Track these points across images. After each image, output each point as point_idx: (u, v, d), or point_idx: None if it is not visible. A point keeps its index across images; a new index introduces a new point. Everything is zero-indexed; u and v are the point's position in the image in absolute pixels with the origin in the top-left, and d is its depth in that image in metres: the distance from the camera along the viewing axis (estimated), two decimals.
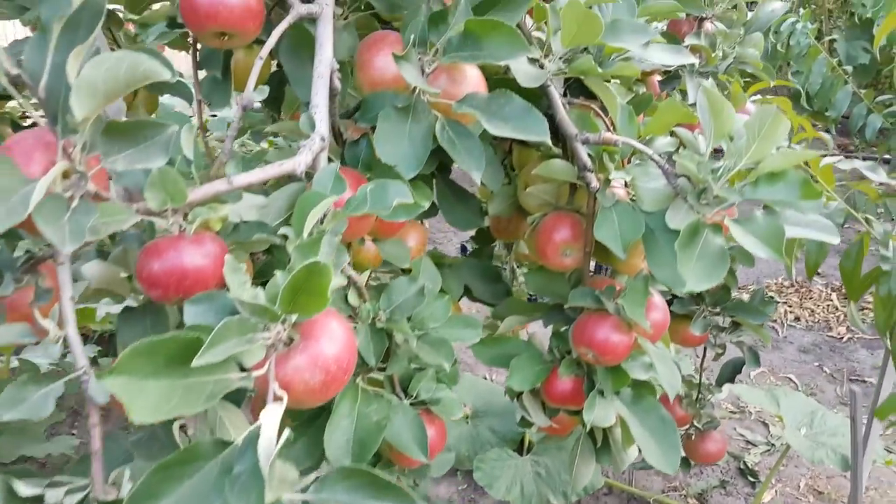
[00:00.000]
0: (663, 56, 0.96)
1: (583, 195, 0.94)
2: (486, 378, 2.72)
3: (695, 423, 1.43)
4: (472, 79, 0.75)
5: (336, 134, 0.77)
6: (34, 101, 0.52)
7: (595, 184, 0.82)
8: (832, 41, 3.67)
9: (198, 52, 0.80)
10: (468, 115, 0.71)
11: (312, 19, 0.72)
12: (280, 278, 0.55)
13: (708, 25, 1.28)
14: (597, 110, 0.97)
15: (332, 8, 0.72)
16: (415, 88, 0.73)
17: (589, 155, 0.86)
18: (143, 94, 1.26)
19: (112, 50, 1.37)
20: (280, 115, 0.94)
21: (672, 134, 0.92)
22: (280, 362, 0.54)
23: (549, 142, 0.71)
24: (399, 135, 0.72)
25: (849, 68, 3.06)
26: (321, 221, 0.63)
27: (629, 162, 0.88)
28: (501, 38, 0.68)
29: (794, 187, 0.75)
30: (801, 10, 3.34)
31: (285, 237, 0.61)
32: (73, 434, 2.62)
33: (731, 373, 1.39)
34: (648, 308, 0.87)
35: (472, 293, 1.11)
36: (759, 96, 1.53)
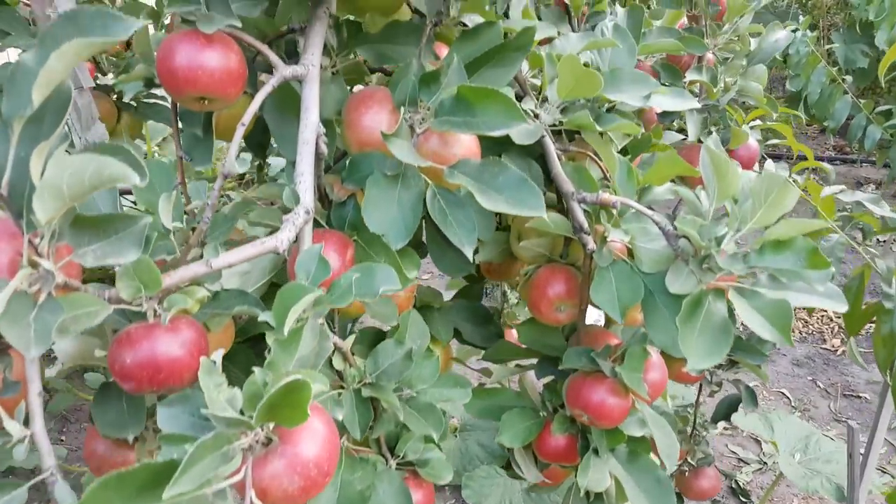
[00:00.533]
0: (665, 102, 0.93)
1: (578, 247, 0.91)
2: None
3: (688, 459, 1.40)
4: (464, 140, 0.72)
5: (322, 195, 0.74)
6: None
7: (592, 246, 0.79)
8: (829, 50, 3.63)
9: (177, 106, 0.76)
10: (460, 184, 0.67)
11: (298, 80, 0.68)
12: (259, 376, 0.52)
13: (709, 56, 1.24)
14: (592, 156, 0.94)
15: (318, 68, 0.68)
16: None
17: (585, 211, 0.83)
18: (127, 119, 1.22)
19: (95, 63, 1.33)
20: (265, 160, 0.90)
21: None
22: (257, 467, 0.51)
23: (545, 215, 0.67)
24: (388, 202, 0.68)
25: (848, 78, 3.02)
26: None
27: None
28: (497, 108, 0.64)
29: (802, 256, 0.72)
30: (801, 17, 3.30)
31: (268, 325, 0.57)
32: (62, 441, 2.59)
33: (726, 410, 1.37)
34: (646, 369, 0.84)
35: (462, 336, 1.08)
36: (758, 122, 1.50)
